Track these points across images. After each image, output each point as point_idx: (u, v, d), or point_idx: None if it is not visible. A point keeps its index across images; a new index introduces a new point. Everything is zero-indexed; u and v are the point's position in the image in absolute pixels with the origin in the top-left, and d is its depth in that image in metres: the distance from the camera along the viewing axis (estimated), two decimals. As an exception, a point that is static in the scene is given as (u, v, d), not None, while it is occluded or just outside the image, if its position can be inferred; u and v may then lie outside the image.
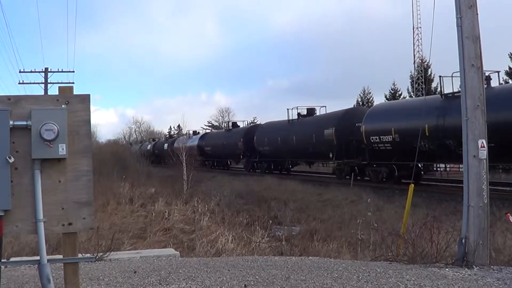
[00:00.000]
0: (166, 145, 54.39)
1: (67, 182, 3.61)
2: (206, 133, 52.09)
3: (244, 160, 37.87)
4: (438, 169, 26.45)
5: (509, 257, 6.23)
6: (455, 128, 12.95)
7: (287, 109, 30.58)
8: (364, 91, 51.37)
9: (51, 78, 27.95)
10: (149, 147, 62.74)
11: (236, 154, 38.58)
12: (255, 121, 57.32)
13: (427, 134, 16.75)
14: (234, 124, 43.85)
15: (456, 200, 13.29)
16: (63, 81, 28.57)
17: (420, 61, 45.04)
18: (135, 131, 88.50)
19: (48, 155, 3.50)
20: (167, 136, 63.03)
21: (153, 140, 67.45)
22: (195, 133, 59.01)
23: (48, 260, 3.60)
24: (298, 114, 30.06)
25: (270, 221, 13.20)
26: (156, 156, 57.97)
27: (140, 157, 54.95)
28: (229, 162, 44.74)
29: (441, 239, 5.77)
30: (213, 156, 44.90)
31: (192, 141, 48.23)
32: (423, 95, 38.60)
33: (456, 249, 5.27)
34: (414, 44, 45.23)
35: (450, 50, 6.52)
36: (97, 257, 5.68)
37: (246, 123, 43.87)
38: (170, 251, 6.82)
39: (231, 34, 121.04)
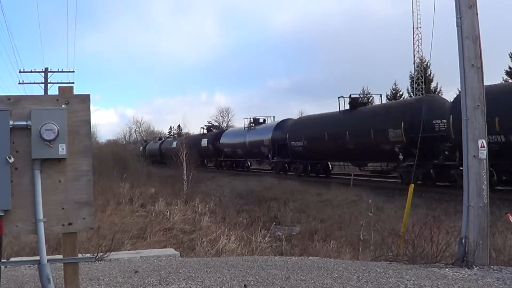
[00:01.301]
0: (205, 141, 41.96)
1: (67, 182, 3.61)
2: (286, 120, 32.18)
3: (402, 167, 20.17)
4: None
5: (509, 257, 6.23)
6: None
7: None
8: (364, 91, 51.41)
9: (51, 78, 27.97)
10: (174, 144, 46.69)
11: (381, 152, 20.65)
12: None
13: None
14: (355, 101, 23.97)
15: (456, 200, 13.29)
16: (63, 81, 28.59)
17: (420, 61, 45.08)
18: (135, 131, 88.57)
19: (48, 155, 3.50)
20: (205, 129, 47.80)
21: (179, 135, 53.67)
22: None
23: (48, 260, 3.60)
24: None
25: (274, 223, 13.21)
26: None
27: (160, 157, 44.56)
28: (330, 166, 28.39)
29: (441, 239, 5.77)
30: (306, 157, 27.36)
31: (258, 134, 33.20)
32: (422, 95, 38.61)
33: (456, 249, 5.27)
34: (414, 44, 45.27)
35: (450, 50, 6.52)
36: (97, 257, 5.68)
37: (385, 97, 26.94)
38: (170, 251, 6.82)
39: (231, 33, 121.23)
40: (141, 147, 59.81)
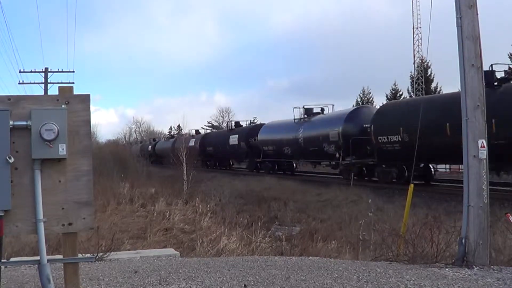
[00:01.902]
0: (234, 138, 34.46)
1: (67, 182, 3.61)
2: (363, 108, 25.07)
3: None
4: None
5: (509, 257, 6.23)
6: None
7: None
8: (364, 91, 51.46)
9: (51, 78, 27.98)
10: (192, 142, 38.99)
11: None
12: (255, 121, 54.69)
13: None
14: (493, 76, 15.68)
15: (456, 200, 13.28)
16: (63, 81, 28.57)
17: (420, 61, 45.09)
18: (135, 131, 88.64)
19: (48, 155, 3.51)
20: (232, 124, 39.00)
21: (197, 132, 44.81)
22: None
23: (48, 260, 3.60)
24: None
25: (276, 223, 13.24)
26: (208, 155, 37.28)
27: (173, 157, 32.89)
28: (432, 169, 21.00)
29: (441, 239, 5.77)
30: (404, 157, 18.59)
31: (319, 127, 24.52)
32: (423, 95, 38.61)
33: (456, 249, 5.27)
34: (414, 44, 45.28)
35: (450, 50, 6.52)
36: (97, 257, 5.68)
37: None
38: (170, 251, 6.82)
39: (231, 34, 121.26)
40: (150, 146, 54.74)
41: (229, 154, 36.30)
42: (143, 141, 68.61)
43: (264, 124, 33.51)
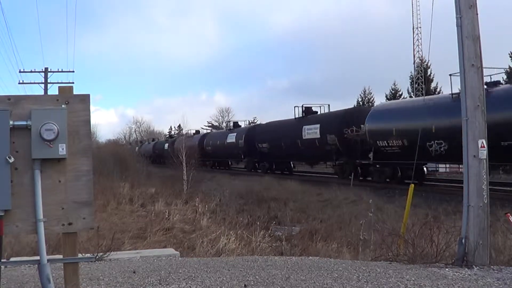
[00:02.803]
0: (312, 129, 23.74)
1: (67, 182, 3.61)
2: None
3: None
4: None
5: (509, 257, 6.23)
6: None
7: None
8: (365, 91, 51.47)
9: (51, 78, 28.01)
10: (232, 138, 30.53)
11: None
12: (255, 121, 54.25)
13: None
14: None
15: (456, 200, 13.28)
16: (63, 81, 28.61)
17: (420, 61, 45.07)
18: (135, 131, 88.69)
19: (48, 155, 3.51)
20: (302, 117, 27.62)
21: (235, 125, 34.68)
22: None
23: (48, 260, 3.60)
24: None
25: (274, 222, 13.23)
26: (261, 155, 28.53)
27: (202, 157, 26.29)
28: None
29: (441, 239, 5.77)
30: None
31: None
32: (422, 95, 38.56)
33: (456, 249, 5.27)
34: (414, 44, 45.25)
35: (450, 50, 6.51)
36: (97, 257, 5.68)
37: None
38: (170, 251, 6.82)
39: (231, 34, 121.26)
40: (166, 144, 47.97)
41: (301, 153, 25.71)
42: (155, 139, 65.82)
43: (365, 107, 20.75)
